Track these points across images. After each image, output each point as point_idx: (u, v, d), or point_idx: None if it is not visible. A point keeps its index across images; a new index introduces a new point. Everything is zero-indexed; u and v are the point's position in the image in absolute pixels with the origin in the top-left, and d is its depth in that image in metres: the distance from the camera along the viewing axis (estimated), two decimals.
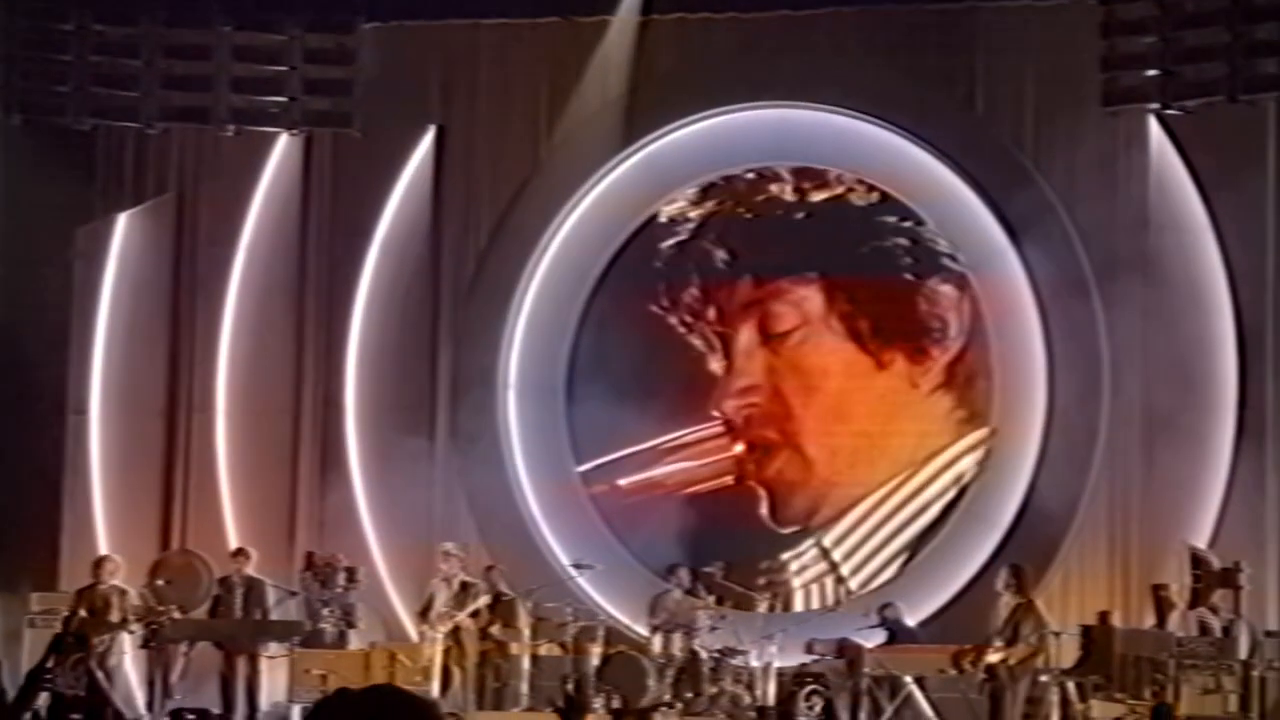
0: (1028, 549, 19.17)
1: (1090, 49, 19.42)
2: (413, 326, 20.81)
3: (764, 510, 20.38)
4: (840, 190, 20.50)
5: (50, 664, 7.96)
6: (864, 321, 20.33)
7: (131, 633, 18.16)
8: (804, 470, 20.37)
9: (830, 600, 20.00)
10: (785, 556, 20.25)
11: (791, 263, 20.56)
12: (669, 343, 20.69)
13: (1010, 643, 16.59)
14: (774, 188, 20.64)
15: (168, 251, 21.03)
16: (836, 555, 20.19)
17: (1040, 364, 19.66)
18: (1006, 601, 16.80)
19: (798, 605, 19.85)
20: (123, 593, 18.26)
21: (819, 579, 20.24)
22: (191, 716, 14.38)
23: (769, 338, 20.57)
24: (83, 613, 17.93)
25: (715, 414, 20.53)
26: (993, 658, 16.57)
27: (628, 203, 20.72)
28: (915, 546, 19.97)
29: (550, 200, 20.69)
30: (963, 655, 16.87)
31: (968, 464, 20.01)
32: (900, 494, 20.11)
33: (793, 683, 17.34)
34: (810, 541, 20.28)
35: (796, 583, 20.21)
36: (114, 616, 18.08)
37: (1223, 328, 19.09)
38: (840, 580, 20.15)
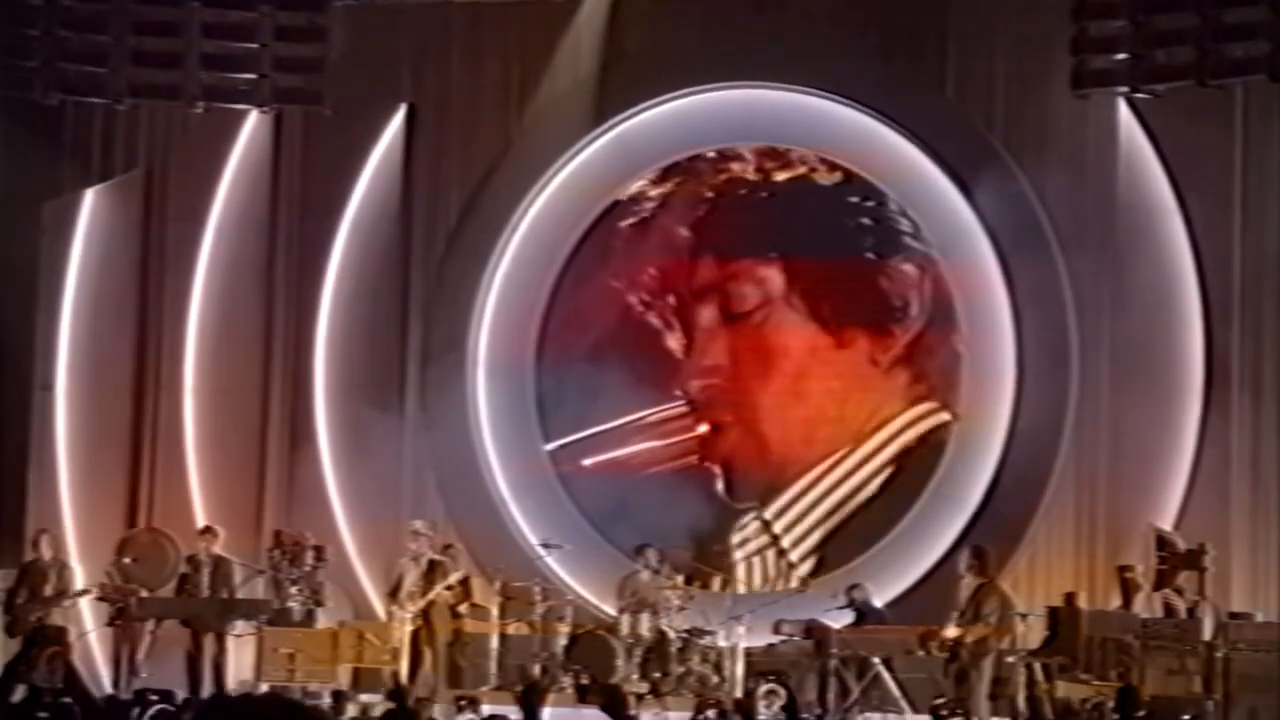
0: (995, 530, 19.25)
1: (1061, 31, 19.45)
2: (382, 304, 20.77)
3: (720, 488, 20.41)
4: (803, 170, 20.52)
5: (29, 657, 7.93)
6: (826, 301, 20.36)
7: (66, 607, 18.09)
8: (760, 449, 20.41)
9: (772, 575, 19.99)
10: (733, 534, 20.30)
11: (753, 242, 20.58)
12: (634, 323, 20.70)
13: (971, 623, 16.63)
14: (736, 167, 20.65)
15: (136, 228, 20.94)
16: (778, 528, 20.22)
17: (1008, 345, 19.71)
18: (968, 582, 16.83)
19: (740, 580, 19.83)
20: (63, 567, 18.23)
21: (760, 553, 20.26)
22: (154, 697, 14.33)
23: (731, 318, 20.60)
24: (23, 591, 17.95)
25: (678, 393, 20.55)
26: (949, 633, 16.58)
27: (598, 182, 20.71)
28: (858, 518, 19.98)
29: (520, 179, 20.66)
30: (929, 636, 16.89)
31: (911, 436, 20.03)
32: (843, 466, 20.14)
33: (749, 679, 17.29)
34: (751, 515, 20.30)
35: (739, 556, 20.21)
36: (48, 591, 18.05)
37: (1189, 310, 19.15)
38: (781, 554, 20.17)
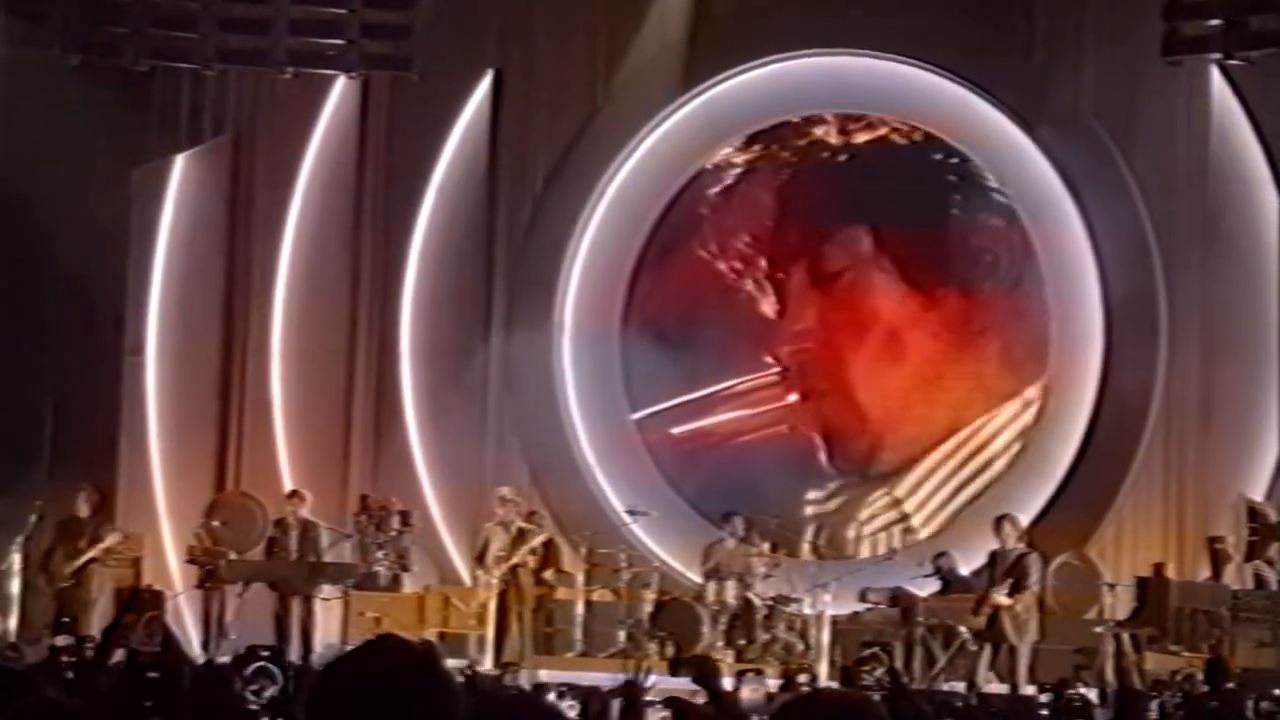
0: (1081, 499, 19.18)
1: None
2: (467, 270, 20.79)
3: (822, 457, 20.36)
4: (884, 131, 20.42)
5: (126, 620, 7.97)
6: (914, 262, 20.27)
7: (98, 560, 18.11)
8: (857, 417, 20.35)
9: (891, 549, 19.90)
10: (843, 504, 20.22)
11: (839, 206, 20.50)
12: (722, 289, 20.66)
13: (1014, 592, 16.63)
14: (818, 130, 20.57)
15: (224, 193, 21.03)
16: (909, 505, 20.15)
17: (1097, 314, 19.57)
18: (1009, 550, 16.81)
19: (863, 555, 19.79)
20: (99, 524, 18.29)
21: (888, 528, 20.18)
22: (265, 653, 14.44)
23: (820, 281, 20.53)
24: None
25: (769, 359, 20.50)
26: (1001, 600, 16.59)
27: (684, 149, 20.66)
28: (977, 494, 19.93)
29: (607, 146, 20.63)
30: (981, 604, 16.84)
31: (1023, 411, 19.94)
32: (972, 442, 20.04)
33: (856, 650, 17.26)
34: (882, 491, 20.20)
35: (865, 531, 20.15)
36: (82, 544, 18.12)
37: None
38: (909, 530, 20.07)
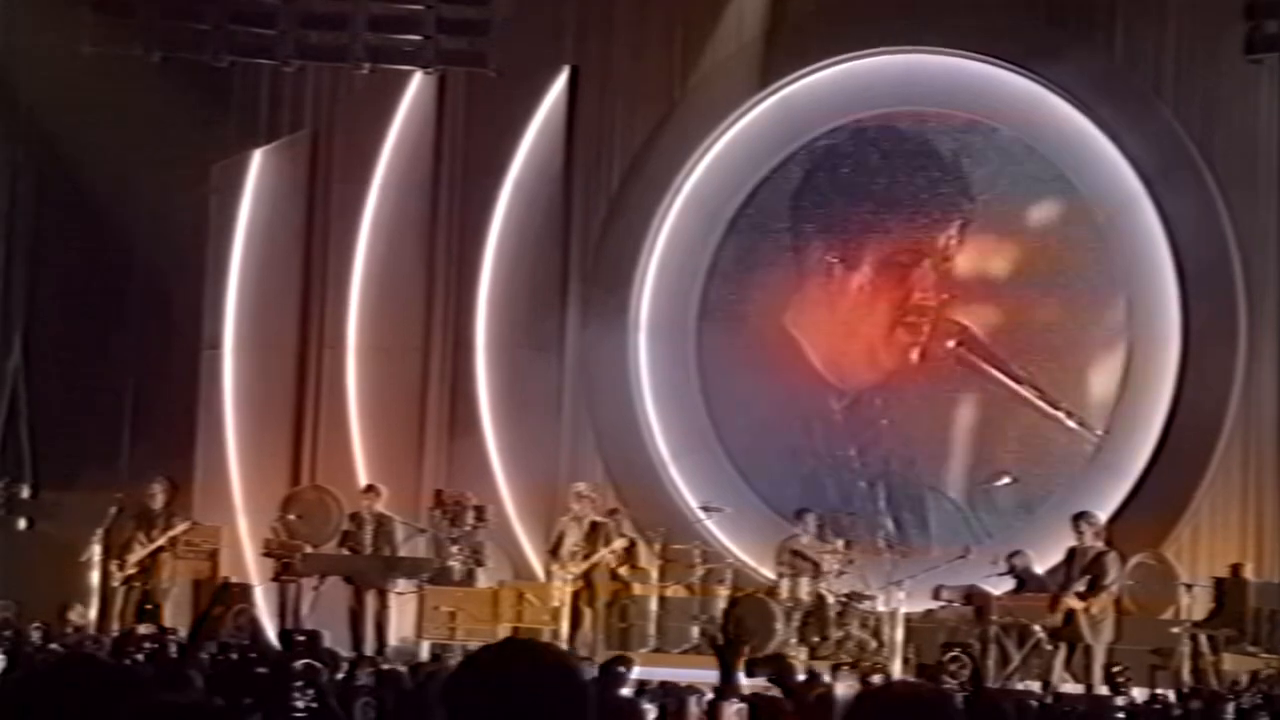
0: (1158, 499, 19.08)
1: None
2: (543, 266, 20.84)
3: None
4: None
5: (215, 612, 8.03)
6: (1001, 261, 20.22)
7: (167, 550, 18.14)
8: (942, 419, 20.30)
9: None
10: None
11: (925, 198, 20.46)
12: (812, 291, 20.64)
13: (1091, 591, 16.55)
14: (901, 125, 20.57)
15: (301, 188, 21.15)
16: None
17: (1174, 314, 19.46)
18: (1087, 547, 16.75)
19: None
20: (172, 515, 18.34)
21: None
22: (301, 638, 14.45)
23: (902, 281, 20.49)
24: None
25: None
26: (1074, 601, 16.53)
27: (761, 147, 20.66)
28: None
29: (684, 143, 20.65)
30: (1056, 604, 16.77)
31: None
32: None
33: (933, 649, 17.21)
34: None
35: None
36: (155, 533, 18.20)
37: None
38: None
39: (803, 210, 20.81)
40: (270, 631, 18.85)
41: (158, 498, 18.40)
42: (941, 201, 20.44)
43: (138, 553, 18.06)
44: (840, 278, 20.66)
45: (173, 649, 12.31)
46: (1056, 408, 19.86)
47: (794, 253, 20.80)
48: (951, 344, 20.25)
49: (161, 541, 18.13)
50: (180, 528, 18.34)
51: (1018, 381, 19.98)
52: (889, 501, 20.17)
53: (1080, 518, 17.20)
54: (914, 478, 20.26)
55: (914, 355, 20.38)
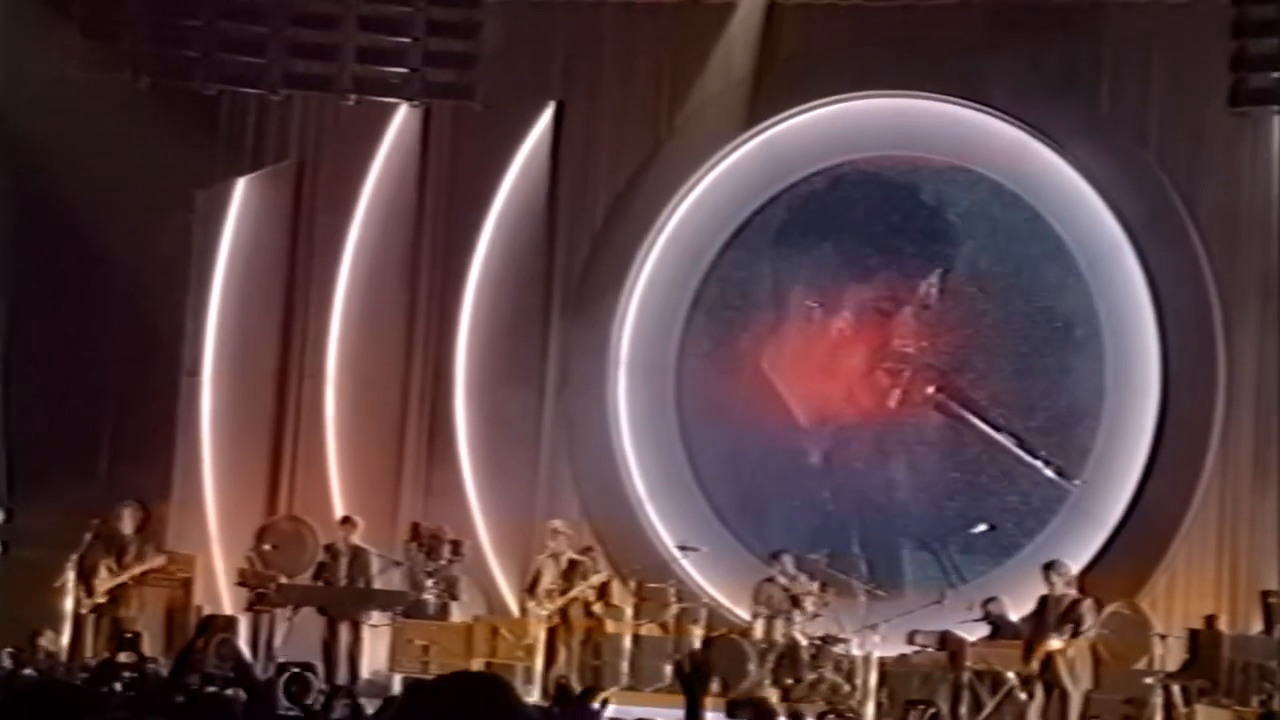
0: (1134, 548, 19.10)
1: (1219, 48, 19.25)
2: (525, 301, 20.83)
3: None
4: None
5: (199, 645, 8.02)
6: (982, 307, 20.27)
7: (136, 579, 18.11)
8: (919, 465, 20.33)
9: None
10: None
11: (901, 248, 20.50)
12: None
13: (1070, 637, 16.60)
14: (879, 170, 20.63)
15: (285, 217, 21.12)
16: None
17: (1154, 362, 19.50)
18: (1060, 595, 16.78)
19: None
20: (144, 542, 18.27)
21: None
22: (295, 670, 14.41)
23: (882, 325, 20.53)
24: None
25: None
26: (1054, 645, 16.55)
27: (745, 187, 20.69)
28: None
29: (668, 182, 20.67)
30: (1035, 650, 16.79)
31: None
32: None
33: (903, 708, 17.24)
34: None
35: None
36: (128, 560, 18.11)
37: None
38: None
39: (784, 252, 20.83)
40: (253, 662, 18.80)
41: (126, 522, 18.35)
42: (924, 247, 20.46)
43: (107, 581, 17.99)
44: (820, 321, 20.67)
45: (151, 678, 12.27)
46: (1035, 456, 19.87)
47: (774, 295, 20.80)
48: (930, 390, 20.29)
49: (134, 573, 18.07)
50: (154, 561, 18.30)
51: (996, 429, 20.02)
52: (863, 545, 20.16)
53: (1050, 567, 17.26)
54: (889, 522, 20.26)
55: (893, 401, 20.40)
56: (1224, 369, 19.18)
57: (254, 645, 18.66)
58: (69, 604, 18.01)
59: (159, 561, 18.36)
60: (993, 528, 19.37)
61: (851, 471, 20.43)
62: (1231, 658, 17.15)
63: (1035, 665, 16.70)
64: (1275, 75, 19.18)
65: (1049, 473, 19.82)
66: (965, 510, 20.00)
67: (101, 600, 17.96)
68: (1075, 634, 16.65)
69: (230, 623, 17.84)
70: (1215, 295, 19.23)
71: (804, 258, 20.74)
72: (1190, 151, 19.48)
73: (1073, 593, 17.03)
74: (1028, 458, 19.87)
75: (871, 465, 20.40)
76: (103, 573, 18.00)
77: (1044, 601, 17.05)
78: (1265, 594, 18.01)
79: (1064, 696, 16.66)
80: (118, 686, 11.38)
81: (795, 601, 18.16)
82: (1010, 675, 17.20)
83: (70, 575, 17.92)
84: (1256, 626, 18.00)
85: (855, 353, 20.58)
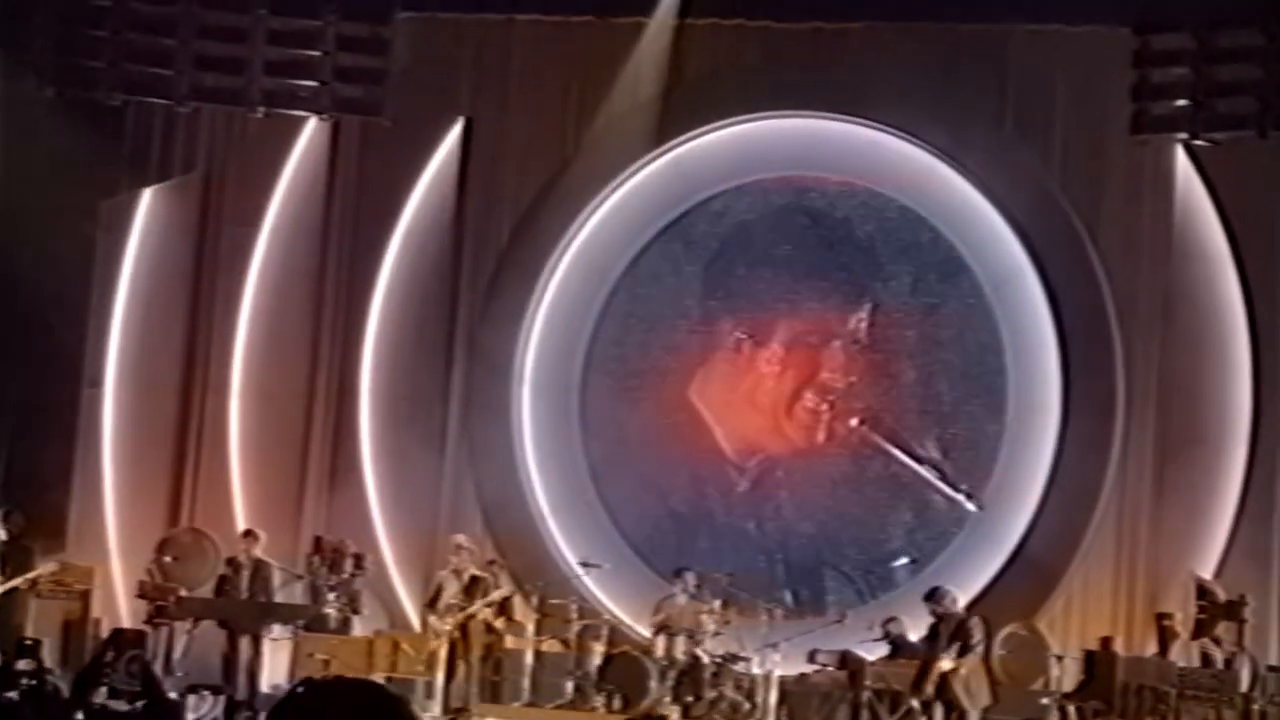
0: (1032, 571, 19.24)
1: (1122, 76, 19.49)
2: (430, 317, 20.82)
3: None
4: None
5: (107, 658, 7.97)
6: (881, 331, 20.39)
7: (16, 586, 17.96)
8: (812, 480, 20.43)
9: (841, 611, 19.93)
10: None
11: (813, 271, 20.60)
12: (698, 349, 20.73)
13: (960, 655, 16.70)
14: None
15: (191, 229, 21.03)
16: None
17: (1055, 385, 19.68)
18: (950, 614, 16.89)
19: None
20: (14, 549, 18.12)
21: None
22: (206, 691, 14.38)
23: (786, 351, 20.61)
24: None
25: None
26: (946, 665, 16.65)
27: (653, 205, 20.75)
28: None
29: (575, 199, 20.71)
30: (928, 670, 16.86)
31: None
32: None
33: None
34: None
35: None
36: (8, 572, 17.96)
37: (1239, 360, 19.14)
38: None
39: (692, 271, 20.87)
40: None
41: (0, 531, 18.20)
42: (836, 270, 20.52)
43: None
44: (748, 352, 20.70)
45: (50, 688, 12.19)
46: (957, 490, 19.98)
47: (694, 318, 20.83)
48: (855, 423, 20.39)
49: (15, 583, 17.93)
50: (45, 568, 18.15)
51: (919, 461, 20.15)
52: (788, 574, 20.24)
53: (929, 598, 17.22)
54: (813, 552, 20.33)
55: (820, 435, 20.47)
56: (1123, 392, 19.38)
57: (153, 658, 18.54)
58: None
59: (50, 568, 18.21)
60: (914, 562, 19.51)
61: (777, 502, 20.47)
62: (1126, 679, 17.30)
63: (930, 689, 16.75)
64: (1175, 104, 19.41)
65: (960, 498, 19.95)
66: (886, 540, 20.10)
67: None
68: (964, 652, 16.69)
69: (140, 638, 17.71)
70: (1114, 318, 19.43)
71: (714, 277, 20.81)
72: (1093, 177, 19.68)
73: (960, 611, 17.11)
74: (950, 492, 19.98)
75: (796, 495, 20.43)
76: None
77: (937, 622, 17.14)
78: (1160, 616, 18.19)
79: (963, 716, 16.74)
80: (14, 695, 11.27)
81: (696, 619, 18.19)
82: (913, 703, 17.24)
83: None
84: (1151, 649, 18.17)
85: (783, 383, 20.58)
